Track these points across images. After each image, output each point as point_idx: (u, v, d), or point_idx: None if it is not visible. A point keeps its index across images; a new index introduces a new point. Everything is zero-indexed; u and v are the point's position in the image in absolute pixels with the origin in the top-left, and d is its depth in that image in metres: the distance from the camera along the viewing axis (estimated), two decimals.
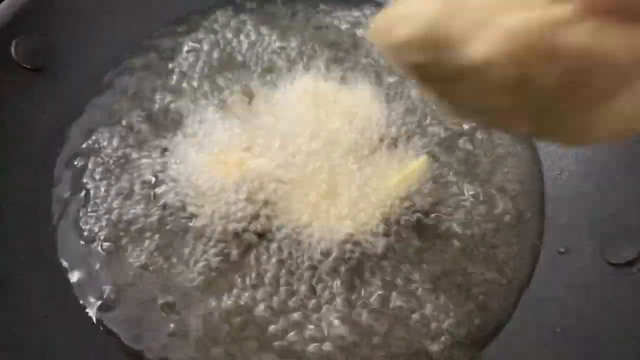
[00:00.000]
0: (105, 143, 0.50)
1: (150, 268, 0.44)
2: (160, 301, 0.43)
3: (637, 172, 0.44)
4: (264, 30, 0.56)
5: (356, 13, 0.58)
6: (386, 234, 0.45)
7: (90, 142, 0.50)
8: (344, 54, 0.55)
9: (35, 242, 0.45)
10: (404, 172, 0.47)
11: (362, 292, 0.43)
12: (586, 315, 0.40)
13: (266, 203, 0.45)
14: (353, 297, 0.43)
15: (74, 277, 0.44)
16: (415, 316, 0.43)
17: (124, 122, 0.51)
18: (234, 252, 0.44)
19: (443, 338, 0.42)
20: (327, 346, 0.41)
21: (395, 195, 0.46)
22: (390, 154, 0.48)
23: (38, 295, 0.42)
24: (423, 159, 0.48)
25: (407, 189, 0.47)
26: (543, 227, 0.47)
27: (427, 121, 0.51)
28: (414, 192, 0.47)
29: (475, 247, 0.46)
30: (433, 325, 0.42)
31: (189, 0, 0.58)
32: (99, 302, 0.43)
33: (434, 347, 0.42)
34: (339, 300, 0.43)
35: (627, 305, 0.39)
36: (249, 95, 0.52)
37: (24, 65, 0.49)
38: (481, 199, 0.48)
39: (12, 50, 0.48)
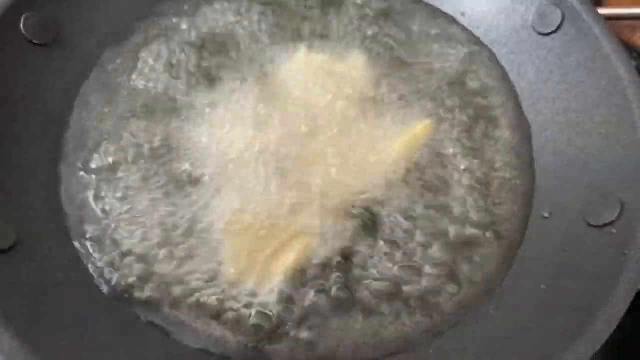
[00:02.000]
0: (109, 115, 0.52)
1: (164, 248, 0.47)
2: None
3: (614, 141, 0.47)
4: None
5: None
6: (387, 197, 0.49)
7: (95, 114, 0.52)
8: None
9: (47, 207, 0.47)
10: (409, 135, 0.50)
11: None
12: (570, 272, 0.44)
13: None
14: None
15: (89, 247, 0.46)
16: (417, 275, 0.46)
17: (125, 93, 0.53)
18: None
19: (446, 294, 0.45)
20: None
21: (399, 158, 0.50)
22: (391, 119, 0.52)
23: (49, 260, 0.44)
24: (427, 122, 0.51)
25: (411, 152, 0.50)
26: (533, 194, 0.50)
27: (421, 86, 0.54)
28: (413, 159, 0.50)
29: (471, 212, 0.49)
30: (436, 282, 0.46)
31: None
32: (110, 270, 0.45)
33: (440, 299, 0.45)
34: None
35: (607, 261, 0.42)
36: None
37: (33, 41, 0.51)
38: (474, 167, 0.51)
39: (22, 26, 0.50)
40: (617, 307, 0.39)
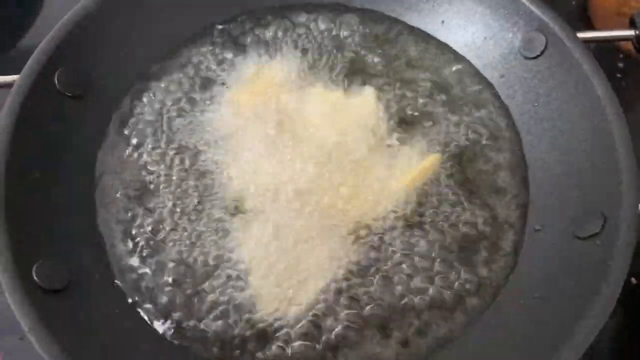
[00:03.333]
0: (137, 151, 0.58)
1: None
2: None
3: (596, 159, 0.52)
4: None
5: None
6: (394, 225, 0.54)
7: (121, 157, 0.58)
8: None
9: (91, 250, 0.52)
10: (417, 169, 0.55)
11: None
12: (559, 282, 0.49)
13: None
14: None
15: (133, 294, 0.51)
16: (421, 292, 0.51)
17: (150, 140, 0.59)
18: None
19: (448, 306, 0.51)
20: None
21: (408, 191, 0.55)
22: (399, 153, 0.57)
23: (98, 298, 0.50)
24: (435, 156, 0.56)
25: (419, 185, 0.55)
26: (527, 208, 0.56)
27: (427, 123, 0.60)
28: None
29: (472, 224, 0.54)
30: (439, 295, 0.51)
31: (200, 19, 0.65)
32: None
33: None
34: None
35: (592, 271, 0.47)
36: None
37: (66, 93, 0.56)
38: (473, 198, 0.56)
39: (55, 80, 0.55)
40: (601, 314, 0.44)
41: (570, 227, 0.51)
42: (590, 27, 0.85)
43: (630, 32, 0.57)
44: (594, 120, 0.53)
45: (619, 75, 0.80)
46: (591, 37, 0.59)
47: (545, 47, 0.58)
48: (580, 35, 0.57)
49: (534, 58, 0.59)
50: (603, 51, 0.79)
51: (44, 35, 0.57)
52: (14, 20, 0.84)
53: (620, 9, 0.80)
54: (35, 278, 0.45)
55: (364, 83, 0.62)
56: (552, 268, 0.50)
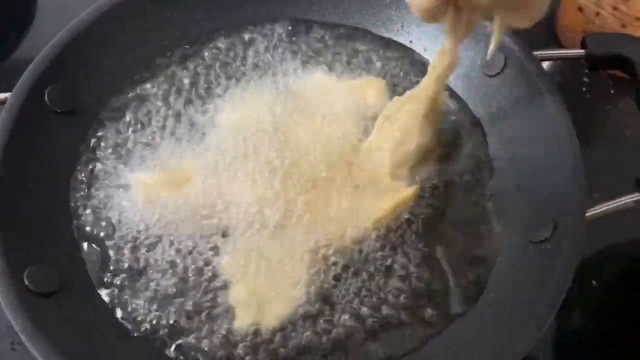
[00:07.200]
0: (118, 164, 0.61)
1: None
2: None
3: (549, 170, 0.56)
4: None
5: None
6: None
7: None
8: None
9: (73, 257, 0.56)
10: (395, 200, 0.58)
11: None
12: (517, 280, 0.53)
13: None
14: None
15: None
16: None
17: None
18: None
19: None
20: None
21: (382, 221, 0.57)
22: (378, 178, 0.59)
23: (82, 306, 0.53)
24: (413, 189, 0.59)
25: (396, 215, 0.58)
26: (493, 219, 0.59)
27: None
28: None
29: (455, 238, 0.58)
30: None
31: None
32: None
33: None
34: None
35: (543, 270, 0.51)
36: None
37: (55, 109, 0.60)
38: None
39: (46, 97, 0.59)
40: (550, 307, 0.48)
41: (525, 232, 0.55)
42: (558, 44, 0.89)
43: (582, 51, 0.61)
44: (548, 133, 0.57)
45: (584, 89, 0.84)
46: (546, 55, 0.63)
47: (505, 65, 0.62)
48: (536, 53, 0.61)
49: (494, 75, 0.63)
50: (571, 67, 0.83)
51: (36, 49, 0.60)
52: (5, 34, 0.86)
53: (586, 27, 0.84)
54: (26, 282, 0.49)
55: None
56: (510, 268, 0.55)
